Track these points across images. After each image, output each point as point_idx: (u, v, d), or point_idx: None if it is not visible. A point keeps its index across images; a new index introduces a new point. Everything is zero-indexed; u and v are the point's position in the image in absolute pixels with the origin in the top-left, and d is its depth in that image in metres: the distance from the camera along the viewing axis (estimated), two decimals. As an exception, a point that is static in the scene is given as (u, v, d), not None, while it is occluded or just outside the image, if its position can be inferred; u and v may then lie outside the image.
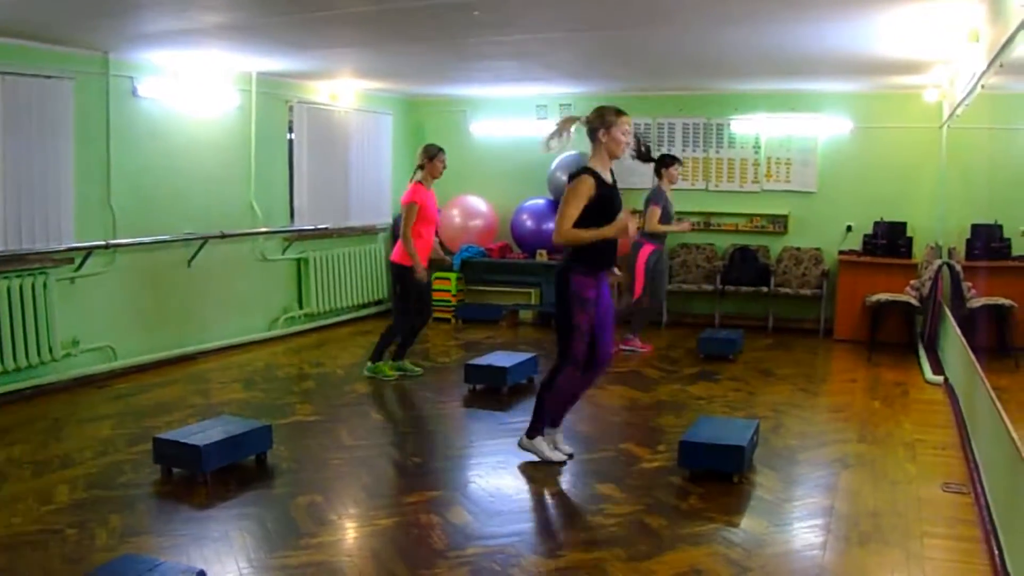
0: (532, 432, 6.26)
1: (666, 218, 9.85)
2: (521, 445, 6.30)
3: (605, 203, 5.83)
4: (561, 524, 5.21)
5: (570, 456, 6.30)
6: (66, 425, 7.16)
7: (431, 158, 8.47)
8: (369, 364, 8.87)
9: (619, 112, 5.89)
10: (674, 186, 10.13)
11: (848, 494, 5.67)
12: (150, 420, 7.24)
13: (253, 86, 10.30)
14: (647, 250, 9.85)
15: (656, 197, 9.85)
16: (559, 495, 5.69)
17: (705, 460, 5.87)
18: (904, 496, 5.63)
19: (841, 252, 11.18)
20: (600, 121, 5.88)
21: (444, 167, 8.57)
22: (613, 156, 5.93)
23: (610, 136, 5.86)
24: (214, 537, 4.94)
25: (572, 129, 6.05)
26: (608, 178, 5.92)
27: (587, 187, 5.79)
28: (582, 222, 5.79)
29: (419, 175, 8.50)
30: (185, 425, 6.59)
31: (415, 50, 8.75)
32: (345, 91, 11.81)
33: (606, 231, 5.78)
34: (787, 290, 11.39)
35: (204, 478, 5.75)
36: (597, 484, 5.84)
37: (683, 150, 11.93)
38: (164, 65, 9.11)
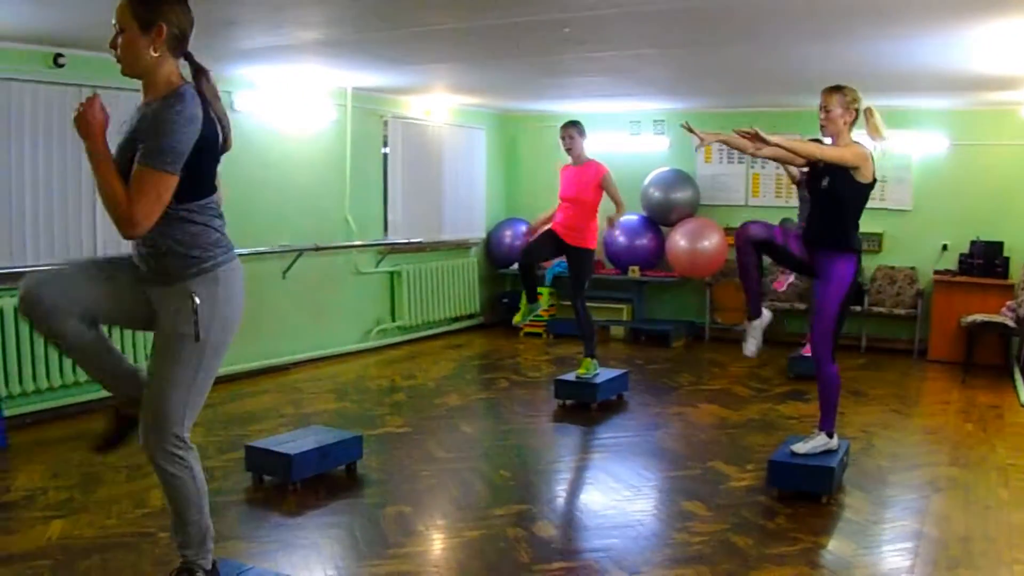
0: None
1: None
2: None
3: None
4: (646, 541, 5.16)
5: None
6: (161, 432, 7.28)
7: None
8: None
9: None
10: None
11: (938, 518, 5.55)
12: (242, 428, 7.37)
13: (348, 101, 10.44)
14: None
15: None
16: (646, 512, 5.65)
17: (794, 480, 5.79)
18: (995, 522, 5.48)
19: (936, 271, 10.90)
20: None
21: (563, 143, 8.33)
22: None
23: None
24: (302, 544, 5.01)
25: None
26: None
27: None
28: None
29: None
30: (277, 434, 6.71)
31: (507, 66, 8.79)
32: (439, 106, 11.91)
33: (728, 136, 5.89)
34: (881, 309, 11.18)
35: (294, 486, 5.82)
36: (684, 502, 5.79)
37: (776, 168, 11.80)
38: (260, 80, 9.29)
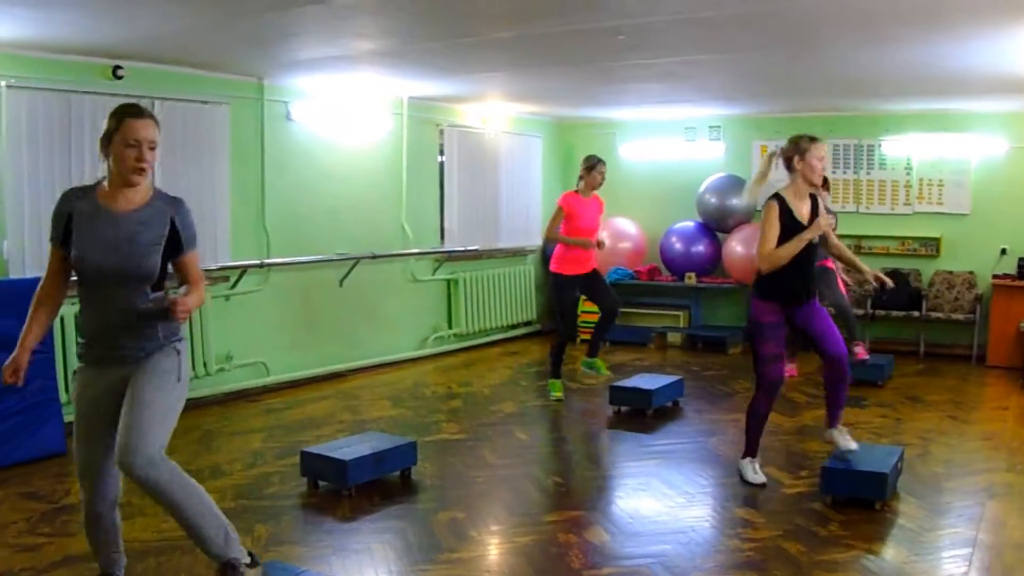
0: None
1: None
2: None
3: (788, 233, 5.77)
4: (699, 547, 5.14)
5: (762, 485, 6.21)
6: (218, 437, 7.39)
7: (589, 169, 8.58)
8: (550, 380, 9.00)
9: (813, 139, 5.84)
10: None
11: (993, 525, 5.46)
12: (299, 434, 7.44)
13: (404, 110, 10.49)
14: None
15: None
16: (698, 518, 5.61)
17: (848, 487, 5.74)
18: (1054, 530, 5.41)
19: (995, 276, 10.72)
20: (794, 149, 5.85)
21: (603, 178, 8.63)
22: (809, 183, 5.86)
23: (804, 163, 5.80)
24: (356, 549, 5.05)
25: (773, 166, 6.08)
26: (801, 208, 5.84)
27: (773, 211, 5.78)
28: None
29: (579, 185, 8.61)
30: (333, 440, 6.76)
31: (562, 74, 8.81)
32: (495, 114, 11.96)
33: (805, 235, 5.73)
34: (939, 315, 11.05)
35: (349, 492, 5.87)
36: (737, 508, 5.77)
37: (833, 172, 11.65)
38: (317, 90, 9.38)
